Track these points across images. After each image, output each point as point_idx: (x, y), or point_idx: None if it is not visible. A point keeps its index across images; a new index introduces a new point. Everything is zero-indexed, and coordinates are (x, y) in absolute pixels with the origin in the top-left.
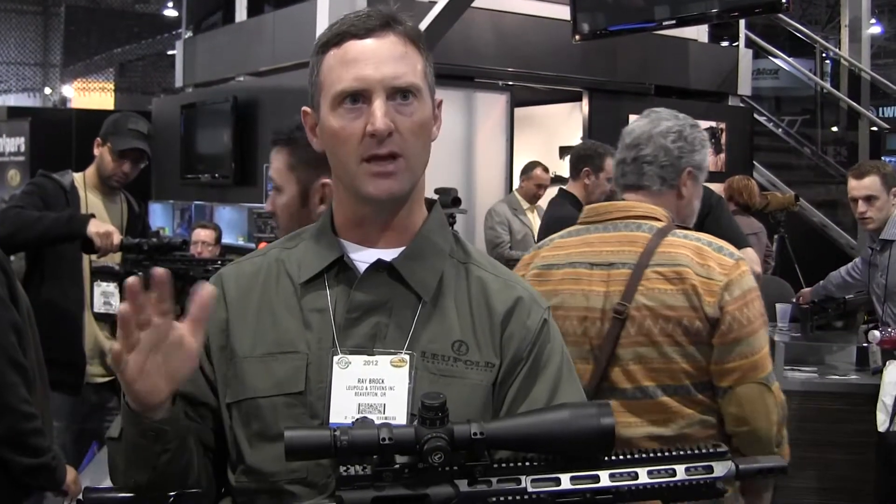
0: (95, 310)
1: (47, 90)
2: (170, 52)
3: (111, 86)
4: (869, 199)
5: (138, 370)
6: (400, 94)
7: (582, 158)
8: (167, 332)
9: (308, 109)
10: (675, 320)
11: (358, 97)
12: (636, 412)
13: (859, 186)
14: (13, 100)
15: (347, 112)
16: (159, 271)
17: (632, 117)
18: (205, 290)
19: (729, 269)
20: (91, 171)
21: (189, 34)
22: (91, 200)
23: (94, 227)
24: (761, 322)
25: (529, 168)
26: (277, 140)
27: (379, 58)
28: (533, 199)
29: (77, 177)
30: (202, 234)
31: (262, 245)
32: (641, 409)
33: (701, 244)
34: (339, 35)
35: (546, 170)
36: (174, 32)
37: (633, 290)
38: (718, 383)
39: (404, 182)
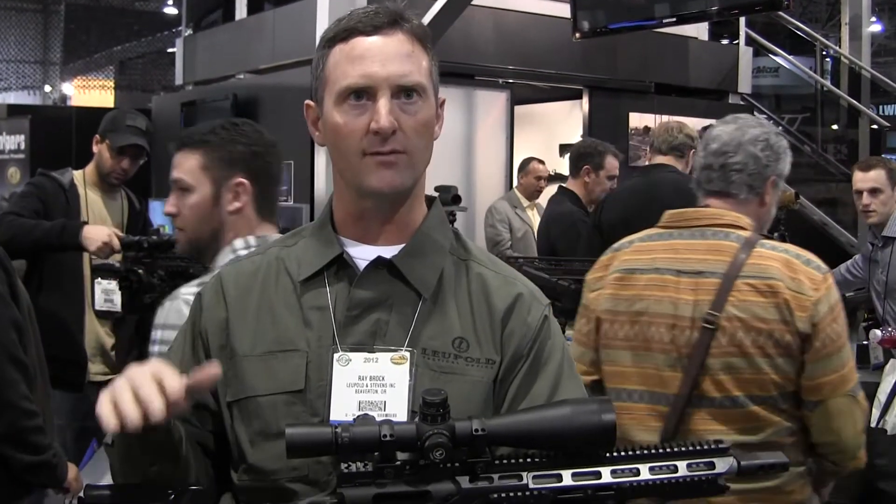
0: (97, 307)
1: (47, 88)
2: (170, 50)
3: (111, 83)
4: (874, 191)
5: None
6: (405, 92)
7: (582, 156)
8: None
9: (311, 103)
10: (766, 333)
11: (363, 94)
12: (724, 421)
13: (865, 179)
14: (13, 97)
15: (352, 108)
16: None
17: (632, 115)
18: (213, 370)
19: (818, 283)
20: (90, 168)
21: (189, 32)
22: (91, 198)
23: (87, 234)
24: (846, 334)
25: (525, 164)
26: (187, 143)
27: (386, 55)
28: (533, 194)
29: (77, 174)
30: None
31: None
32: (730, 418)
33: (790, 256)
34: (347, 31)
35: (542, 162)
36: (174, 30)
37: (723, 301)
38: (808, 397)
39: (406, 176)
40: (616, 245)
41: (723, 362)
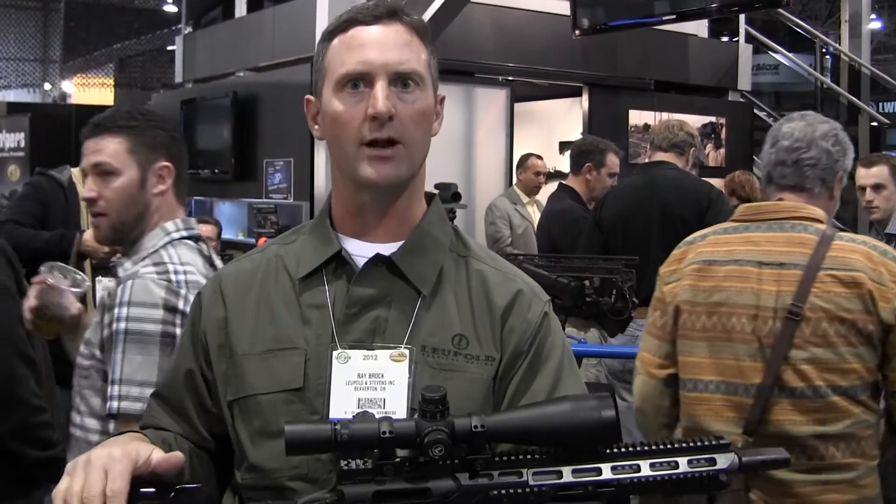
0: (98, 305)
1: (47, 86)
2: (169, 48)
3: (111, 81)
4: (877, 187)
5: None
6: (402, 80)
7: (584, 154)
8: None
9: (311, 98)
10: (850, 323)
11: (360, 81)
12: (804, 411)
13: (868, 175)
14: (13, 95)
15: (350, 96)
16: None
17: (632, 112)
18: (176, 458)
19: None
20: None
21: (189, 30)
22: None
23: (89, 244)
24: None
25: (523, 160)
26: (107, 128)
27: (384, 43)
28: (533, 190)
29: (75, 171)
30: (204, 230)
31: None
32: (810, 409)
33: (868, 248)
34: (347, 22)
35: (540, 157)
36: (174, 28)
37: (806, 292)
38: (893, 388)
39: (403, 168)
40: (689, 238)
41: (807, 352)
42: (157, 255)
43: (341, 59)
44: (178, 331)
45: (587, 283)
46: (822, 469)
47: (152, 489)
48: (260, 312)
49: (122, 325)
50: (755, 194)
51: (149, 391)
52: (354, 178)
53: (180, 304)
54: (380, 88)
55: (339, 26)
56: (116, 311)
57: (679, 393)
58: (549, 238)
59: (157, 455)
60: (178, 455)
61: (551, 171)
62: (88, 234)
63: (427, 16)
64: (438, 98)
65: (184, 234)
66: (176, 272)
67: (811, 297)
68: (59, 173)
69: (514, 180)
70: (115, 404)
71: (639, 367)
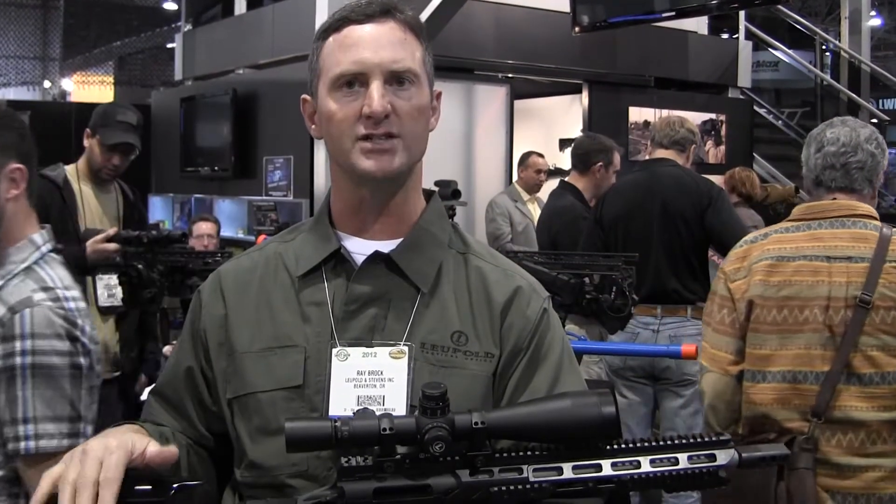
0: (100, 304)
1: (47, 84)
2: (169, 46)
3: (111, 79)
4: None
5: None
6: (397, 79)
7: (595, 153)
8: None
9: (307, 97)
10: None
11: (355, 81)
12: (871, 397)
13: None
14: (13, 93)
15: (344, 95)
16: None
17: (632, 109)
18: (169, 453)
19: None
20: (83, 162)
21: (188, 27)
22: (85, 192)
23: (94, 256)
24: None
25: (525, 157)
26: None
27: (378, 42)
28: (534, 188)
29: (69, 169)
30: (204, 227)
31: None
32: (877, 395)
33: None
34: (340, 21)
35: (541, 155)
36: (173, 25)
37: (874, 282)
38: None
39: (401, 160)
40: (749, 238)
41: (876, 339)
42: (37, 276)
43: (335, 58)
44: (83, 360)
45: (587, 279)
46: (887, 454)
47: (149, 486)
48: (259, 310)
49: (28, 360)
50: (755, 191)
51: (65, 427)
52: (353, 172)
53: (78, 333)
54: (375, 88)
55: (333, 25)
56: (17, 344)
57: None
58: (549, 235)
59: (152, 448)
60: (172, 450)
61: (551, 168)
62: (92, 250)
63: (427, 13)
64: (434, 94)
65: (50, 245)
66: (66, 298)
67: (879, 287)
68: (52, 172)
69: (515, 178)
70: (31, 444)
71: (708, 364)
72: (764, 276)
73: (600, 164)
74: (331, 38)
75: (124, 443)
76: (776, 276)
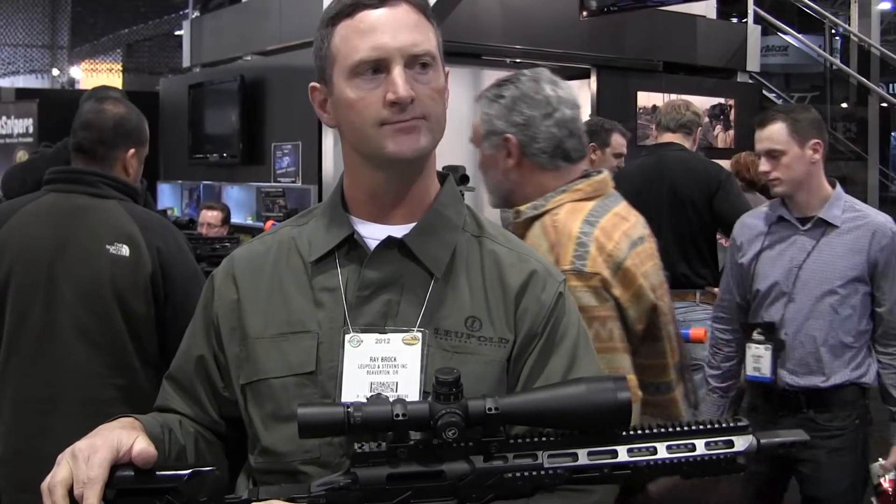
0: None
1: (55, 72)
2: (177, 33)
3: (119, 67)
4: (772, 154)
5: None
6: (418, 62)
7: (587, 134)
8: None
9: (317, 85)
10: None
11: (376, 67)
12: None
13: (760, 138)
14: (21, 81)
15: (366, 82)
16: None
17: (640, 94)
18: (148, 454)
19: None
20: None
21: (196, 14)
22: None
23: None
24: None
25: None
26: None
27: (395, 26)
28: None
29: None
30: (208, 216)
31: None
32: None
33: None
34: (351, 6)
35: None
36: (181, 13)
37: None
38: None
39: (426, 140)
40: None
41: None
42: None
43: (353, 45)
44: None
45: None
46: None
47: (131, 472)
48: (272, 295)
49: None
50: (759, 176)
51: None
52: (379, 156)
53: None
54: (398, 73)
55: (343, 10)
56: None
57: None
58: None
59: (137, 446)
60: (151, 451)
61: None
62: None
63: None
64: (445, 74)
65: None
66: None
67: None
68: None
69: None
70: None
71: None
72: None
73: (593, 144)
74: (342, 24)
75: (110, 441)
76: None
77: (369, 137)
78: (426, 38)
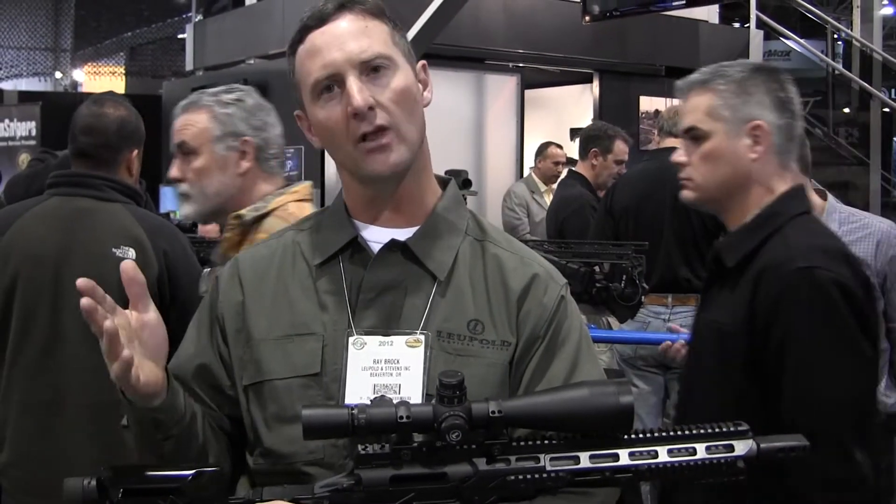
0: None
1: (58, 74)
2: (180, 36)
3: (122, 70)
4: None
5: (129, 365)
6: (371, 68)
7: (590, 139)
8: (128, 321)
9: (300, 113)
10: None
11: (332, 84)
12: None
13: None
14: (24, 84)
15: (328, 101)
16: (80, 282)
17: (643, 98)
18: (126, 265)
19: None
20: None
21: (199, 17)
22: None
23: None
24: None
25: (543, 148)
26: None
27: (341, 39)
28: (551, 179)
29: None
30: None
31: None
32: None
33: None
34: (301, 31)
35: (560, 146)
36: (184, 16)
37: None
38: None
39: (402, 152)
40: None
41: None
42: None
43: (307, 68)
44: None
45: (597, 268)
46: None
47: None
48: (277, 298)
49: None
50: None
51: None
52: (360, 175)
53: None
54: (351, 83)
55: (296, 38)
56: None
57: None
58: (556, 224)
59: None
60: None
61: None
62: None
63: (436, 3)
64: (419, 67)
65: None
66: None
67: None
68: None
69: (532, 167)
70: None
71: None
72: None
73: (595, 150)
74: (299, 50)
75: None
76: None
77: (347, 156)
78: (376, 42)
